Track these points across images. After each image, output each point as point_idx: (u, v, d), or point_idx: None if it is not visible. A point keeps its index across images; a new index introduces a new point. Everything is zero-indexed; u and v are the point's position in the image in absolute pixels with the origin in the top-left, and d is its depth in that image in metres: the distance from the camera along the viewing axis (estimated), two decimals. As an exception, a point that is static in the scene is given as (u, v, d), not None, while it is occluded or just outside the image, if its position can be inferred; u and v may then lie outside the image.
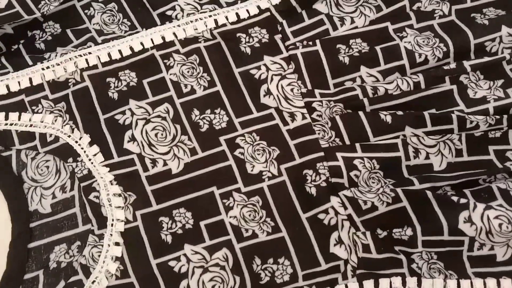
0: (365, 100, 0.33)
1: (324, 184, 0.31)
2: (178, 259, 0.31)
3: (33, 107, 0.34)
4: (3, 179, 0.33)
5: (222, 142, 0.33)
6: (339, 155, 0.32)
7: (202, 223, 0.31)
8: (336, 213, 0.31)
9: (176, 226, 0.31)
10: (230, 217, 0.32)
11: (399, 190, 0.30)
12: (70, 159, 0.33)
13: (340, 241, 0.30)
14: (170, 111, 0.34)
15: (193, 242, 0.31)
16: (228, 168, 0.32)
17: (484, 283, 0.29)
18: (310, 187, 0.31)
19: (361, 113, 0.32)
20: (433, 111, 0.33)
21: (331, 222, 0.31)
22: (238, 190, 0.32)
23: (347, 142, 0.32)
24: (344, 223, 0.30)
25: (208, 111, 0.34)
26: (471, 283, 0.29)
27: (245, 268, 0.30)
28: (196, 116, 0.34)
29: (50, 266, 0.32)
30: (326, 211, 0.31)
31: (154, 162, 0.33)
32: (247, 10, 0.36)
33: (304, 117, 0.33)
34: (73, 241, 0.32)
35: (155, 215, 0.32)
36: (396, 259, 0.30)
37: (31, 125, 0.34)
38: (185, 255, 0.31)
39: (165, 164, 0.33)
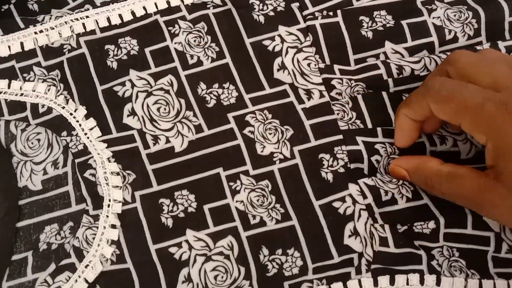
0: (390, 81, 0.30)
1: (342, 170, 0.29)
2: (179, 245, 0.28)
3: (24, 75, 0.31)
4: (-10, 151, 0.31)
5: (231, 119, 0.30)
6: (359, 139, 0.29)
7: (206, 207, 0.29)
8: (354, 202, 0.28)
9: (178, 209, 0.29)
10: (237, 201, 0.29)
11: None
12: (64, 133, 0.30)
13: (355, 233, 0.28)
14: (174, 84, 0.31)
15: (195, 227, 0.29)
16: (236, 148, 0.30)
17: (508, 285, 0.27)
18: (326, 172, 0.29)
19: (384, 93, 0.30)
20: None
21: (347, 211, 0.28)
22: (246, 173, 0.29)
23: (369, 125, 0.29)
24: (362, 213, 0.28)
25: (216, 85, 0.31)
26: (494, 283, 0.27)
27: (251, 259, 0.28)
28: (202, 90, 0.31)
29: (40, 248, 0.29)
30: (342, 199, 0.28)
31: (156, 139, 0.30)
32: (262, -25, 0.32)
33: (322, 95, 0.30)
34: (65, 222, 0.29)
35: (155, 196, 0.29)
36: (415, 254, 0.27)
37: (21, 94, 0.31)
38: (187, 241, 0.28)
39: (167, 141, 0.30)
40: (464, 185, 0.25)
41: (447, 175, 0.26)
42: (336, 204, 0.28)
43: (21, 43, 0.31)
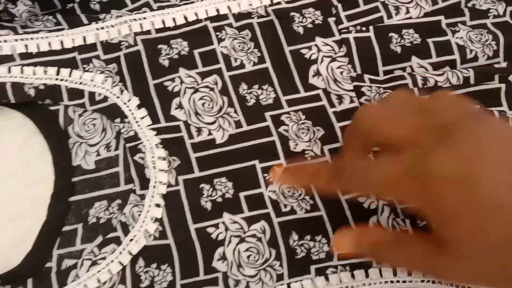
0: (415, 90, 0.33)
1: None
2: (216, 226, 0.31)
3: (85, 66, 0.35)
4: (49, 131, 0.34)
5: (267, 118, 0.33)
6: (384, 141, 0.32)
7: (241, 194, 0.32)
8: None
9: (216, 194, 0.32)
10: (270, 191, 0.32)
11: None
12: (118, 120, 0.33)
13: (379, 225, 0.31)
14: (218, 83, 0.34)
15: (232, 211, 0.31)
16: (271, 144, 0.33)
17: None
18: None
19: (409, 102, 0.33)
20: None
21: (371, 206, 0.31)
22: (279, 166, 0.32)
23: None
24: (385, 208, 0.31)
25: (256, 86, 0.34)
26: None
27: (282, 242, 0.31)
28: (243, 90, 0.34)
29: (89, 221, 0.32)
30: (367, 195, 0.31)
31: (199, 130, 0.33)
32: (304, -9, 0.36)
33: (352, 101, 0.33)
34: (114, 199, 0.32)
35: (196, 181, 0.32)
36: None
37: (81, 83, 0.34)
38: (223, 223, 0.31)
39: (209, 133, 0.33)
40: (412, 252, 0.25)
41: (394, 244, 0.25)
42: (361, 199, 0.31)
43: (84, 37, 0.35)
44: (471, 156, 0.21)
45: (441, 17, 0.35)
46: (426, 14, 0.35)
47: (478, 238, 0.21)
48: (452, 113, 0.24)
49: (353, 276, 0.30)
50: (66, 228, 0.32)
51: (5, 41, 0.34)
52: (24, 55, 0.34)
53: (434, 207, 0.22)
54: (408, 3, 0.35)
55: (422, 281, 0.30)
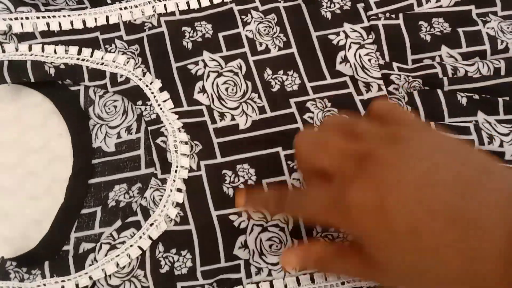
0: (445, 79, 0.32)
1: None
2: (239, 214, 0.30)
3: (107, 46, 0.34)
4: (69, 112, 0.33)
5: (292, 105, 0.33)
6: (412, 131, 0.31)
7: (264, 181, 0.31)
8: None
9: (239, 180, 0.31)
10: (293, 179, 0.31)
11: None
12: (139, 102, 0.33)
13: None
14: (242, 67, 0.34)
15: None
16: (295, 131, 0.32)
17: None
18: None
19: (439, 91, 0.32)
20: (507, 99, 0.32)
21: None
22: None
23: (423, 119, 0.32)
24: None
25: (281, 71, 0.33)
26: None
27: (304, 232, 0.30)
28: (268, 75, 0.33)
29: (108, 204, 0.31)
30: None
31: (222, 115, 0.33)
32: (331, -25, 0.35)
33: (380, 89, 0.32)
34: (134, 183, 0.32)
35: (218, 167, 0.31)
36: None
37: (102, 63, 0.34)
38: (246, 211, 0.31)
39: (232, 118, 0.33)
40: (350, 263, 0.26)
41: (335, 256, 0.27)
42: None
43: (107, 17, 0.34)
44: (384, 185, 0.22)
45: (472, 7, 0.34)
46: (457, 3, 0.34)
47: (398, 262, 0.23)
48: (375, 135, 0.24)
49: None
50: (84, 211, 0.31)
51: (27, 18, 0.33)
52: (46, 33, 0.34)
53: (357, 234, 0.25)
54: (439, -9, 0.34)
55: None
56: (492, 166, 0.23)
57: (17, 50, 0.33)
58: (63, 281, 0.29)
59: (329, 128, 0.27)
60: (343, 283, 0.29)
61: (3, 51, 0.33)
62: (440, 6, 0.34)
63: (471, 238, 0.20)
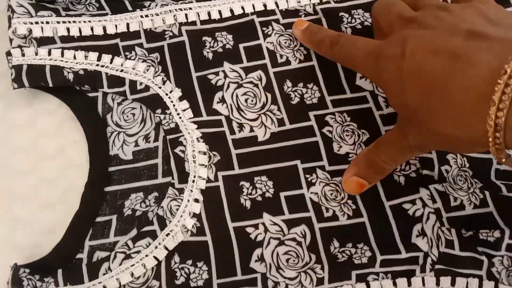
0: None
1: (413, 174, 0.31)
2: (256, 226, 0.30)
3: (127, 53, 0.34)
4: (87, 119, 0.33)
5: (311, 118, 0.33)
6: (432, 148, 0.31)
7: (282, 194, 0.31)
8: (424, 205, 0.30)
9: (256, 193, 0.31)
10: (311, 193, 0.31)
11: (487, 193, 0.30)
12: (159, 110, 0.32)
13: (422, 233, 0.30)
14: (262, 79, 0.33)
15: (272, 212, 0.30)
16: (314, 144, 0.32)
17: None
18: (398, 176, 0.31)
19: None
20: None
21: (416, 213, 0.30)
22: (322, 168, 0.31)
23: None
24: (431, 216, 0.30)
25: (301, 84, 0.33)
26: None
27: (322, 248, 0.30)
28: (288, 87, 0.33)
29: (124, 213, 0.31)
30: (413, 202, 0.30)
31: (241, 126, 0.32)
32: (354, -8, 0.35)
33: (400, 105, 0.32)
34: (151, 192, 0.31)
35: (236, 178, 0.31)
36: (478, 260, 0.29)
37: (122, 70, 0.33)
38: (263, 224, 0.30)
39: (251, 130, 0.32)
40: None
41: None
42: (406, 206, 0.30)
43: (127, 24, 0.34)
44: (407, 37, 0.26)
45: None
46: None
47: (412, 103, 0.26)
48: (433, 5, 0.28)
49: (395, 284, 0.29)
50: (99, 219, 0.31)
51: (47, 22, 0.33)
52: (65, 38, 0.34)
53: (379, 83, 0.29)
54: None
55: None
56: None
57: (36, 54, 0.33)
58: (76, 290, 0.29)
59: None
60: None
61: (23, 55, 0.33)
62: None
63: (463, 73, 0.23)
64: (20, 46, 0.33)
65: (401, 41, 0.26)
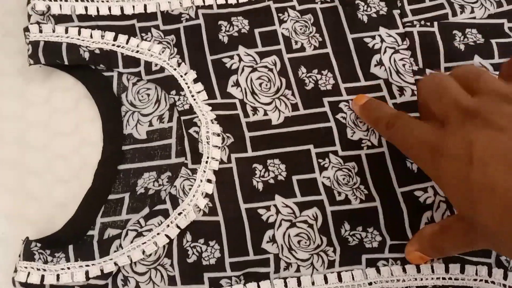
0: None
1: None
2: (268, 208, 0.30)
3: (143, 34, 0.34)
4: (101, 97, 0.33)
5: (325, 104, 0.33)
6: (444, 137, 0.31)
7: (294, 178, 0.31)
8: (435, 193, 0.30)
9: (269, 175, 0.31)
10: (324, 177, 0.31)
11: None
12: (173, 92, 0.33)
13: (432, 221, 0.30)
14: (277, 64, 0.34)
15: (284, 195, 0.31)
16: (328, 130, 0.32)
17: None
18: (411, 163, 0.31)
19: (471, 99, 0.32)
20: None
21: (427, 201, 0.30)
22: (335, 153, 0.32)
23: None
24: (441, 204, 0.30)
25: (315, 70, 0.34)
26: None
27: (333, 231, 0.30)
28: (302, 73, 0.34)
29: (137, 191, 0.31)
30: (425, 190, 0.30)
31: (255, 110, 0.33)
32: (370, -20, 0.36)
33: (413, 94, 0.33)
34: (164, 171, 0.32)
35: (249, 161, 0.31)
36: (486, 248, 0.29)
37: (137, 51, 0.33)
38: (275, 206, 0.30)
39: (265, 114, 0.33)
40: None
41: (441, 232, 0.27)
42: (417, 193, 0.31)
43: (145, 6, 0.34)
44: (476, 140, 0.23)
45: (504, 20, 0.35)
46: (490, 16, 0.35)
47: (486, 218, 0.23)
48: (493, 93, 0.24)
49: (404, 270, 0.29)
50: (112, 197, 0.31)
51: (66, 0, 0.33)
52: (83, 17, 0.34)
53: (440, 184, 0.25)
54: (474, 3, 0.35)
55: (475, 279, 0.29)
56: None
57: (53, 31, 0.33)
58: (87, 265, 0.29)
59: (455, 76, 0.27)
60: (370, 284, 0.29)
61: (40, 31, 0.33)
62: (474, 18, 0.35)
63: None
64: (38, 23, 0.33)
65: (466, 142, 0.23)
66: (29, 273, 0.28)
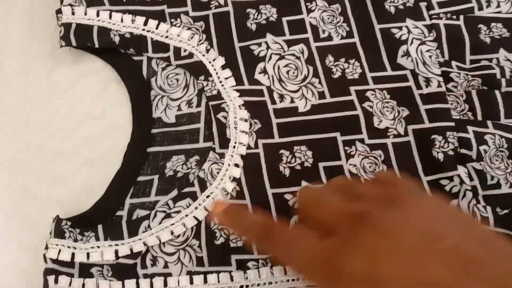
0: (503, 81, 0.33)
1: (451, 152, 0.31)
2: (294, 194, 0.31)
3: (172, 20, 0.35)
4: (131, 81, 0.34)
5: (352, 92, 0.33)
6: (470, 128, 0.32)
7: (321, 165, 0.31)
8: (461, 182, 0.31)
9: (295, 162, 0.32)
10: (350, 164, 0.32)
11: None
12: (202, 77, 0.33)
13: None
14: (304, 52, 0.34)
15: (311, 181, 0.31)
16: (354, 118, 0.32)
17: None
18: (437, 152, 0.31)
19: (497, 92, 0.33)
20: None
21: (453, 189, 0.31)
22: (361, 141, 0.32)
23: (479, 118, 0.32)
24: (467, 193, 0.30)
25: (343, 59, 0.34)
26: None
27: None
28: (330, 62, 0.34)
29: (166, 174, 0.32)
30: (450, 178, 0.31)
31: (282, 97, 0.33)
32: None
33: (439, 85, 0.33)
34: (192, 155, 0.32)
35: (276, 147, 0.32)
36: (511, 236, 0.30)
37: (167, 37, 0.34)
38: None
39: (292, 101, 0.33)
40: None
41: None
42: (443, 182, 0.31)
43: (175, -9, 0.35)
44: (378, 254, 0.21)
45: (530, 15, 0.35)
46: (516, 10, 0.35)
47: None
48: (374, 197, 0.24)
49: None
50: (141, 178, 0.32)
51: (98, -16, 0.34)
52: (114, 1, 0.34)
53: None
54: (500, -3, 0.35)
55: None
56: (494, 240, 0.22)
57: (85, 14, 0.33)
58: (117, 244, 0.29)
59: (332, 188, 0.27)
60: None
61: (73, 13, 0.33)
62: (499, 12, 0.35)
63: None
64: (70, 5, 0.33)
65: (366, 255, 0.22)
66: (59, 250, 0.29)
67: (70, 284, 0.28)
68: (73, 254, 0.29)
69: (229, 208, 0.28)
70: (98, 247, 0.29)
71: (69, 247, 0.29)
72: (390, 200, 0.23)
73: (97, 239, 0.29)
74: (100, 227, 0.30)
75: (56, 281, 0.28)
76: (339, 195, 0.25)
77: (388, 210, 0.23)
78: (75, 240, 0.29)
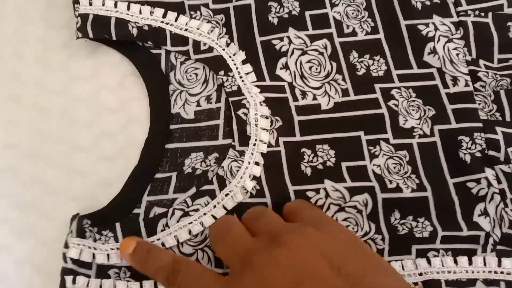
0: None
1: (478, 154, 0.30)
2: (317, 191, 0.30)
3: (192, 12, 0.34)
4: (150, 75, 0.33)
5: (377, 90, 0.32)
6: (498, 129, 0.31)
7: (344, 164, 0.31)
8: (489, 185, 0.30)
9: (318, 161, 0.31)
10: (374, 165, 0.31)
11: None
12: (221, 72, 0.32)
13: (485, 213, 0.29)
14: (328, 48, 0.33)
15: (333, 180, 0.30)
16: (379, 116, 0.31)
17: None
18: (464, 153, 0.30)
19: (527, 92, 0.32)
20: None
21: (480, 192, 0.30)
22: (386, 140, 0.31)
23: (508, 119, 0.31)
24: (495, 196, 0.29)
25: (367, 56, 0.33)
26: None
27: (382, 218, 0.29)
28: (354, 58, 0.33)
29: (184, 171, 0.31)
30: (477, 181, 0.30)
31: (304, 94, 0.32)
32: (423, -32, 0.35)
33: (467, 84, 0.32)
34: (211, 152, 0.31)
35: (298, 145, 0.31)
36: None
37: (186, 30, 0.33)
38: (325, 189, 0.30)
39: (314, 98, 0.32)
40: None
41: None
42: (470, 184, 0.30)
43: (195, -17, 0.34)
44: None
45: (560, 14, 0.34)
46: (546, 9, 0.34)
47: None
48: (266, 234, 0.26)
49: (455, 261, 0.29)
50: (159, 175, 0.31)
51: (116, -26, 0.33)
52: (133, -8, 0.33)
53: None
54: (531, -6, 0.34)
55: None
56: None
57: (103, 5, 0.32)
58: (135, 246, 0.29)
59: (244, 219, 0.28)
60: (420, 274, 0.29)
61: (90, 4, 0.32)
62: (530, 9, 0.34)
63: None
64: (88, -5, 0.33)
65: None
66: (81, 250, 0.28)
67: (87, 285, 0.28)
68: (93, 255, 0.28)
69: (137, 247, 0.28)
70: (118, 248, 0.28)
71: (89, 247, 0.28)
72: (274, 239, 0.25)
73: (116, 240, 0.29)
74: (118, 225, 0.29)
75: (74, 281, 0.27)
76: (241, 229, 0.27)
77: (268, 251, 0.24)
78: (95, 240, 0.29)
